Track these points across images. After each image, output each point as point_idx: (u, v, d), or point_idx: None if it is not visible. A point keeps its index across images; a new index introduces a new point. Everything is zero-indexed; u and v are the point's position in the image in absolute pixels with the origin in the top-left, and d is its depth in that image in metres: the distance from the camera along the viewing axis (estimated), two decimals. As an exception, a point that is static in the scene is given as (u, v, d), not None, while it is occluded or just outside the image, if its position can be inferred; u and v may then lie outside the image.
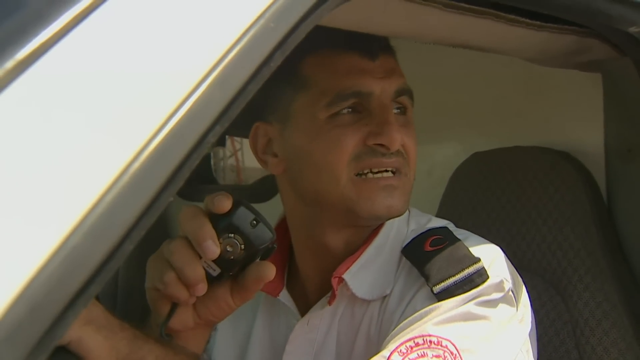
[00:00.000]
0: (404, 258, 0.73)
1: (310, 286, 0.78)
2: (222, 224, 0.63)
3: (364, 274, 0.74)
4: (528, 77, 1.00)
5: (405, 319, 0.69)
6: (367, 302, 0.74)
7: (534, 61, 0.83)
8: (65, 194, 0.36)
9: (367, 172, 0.71)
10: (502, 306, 0.69)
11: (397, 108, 0.73)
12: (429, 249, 0.73)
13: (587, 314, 0.88)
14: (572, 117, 1.00)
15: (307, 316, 0.76)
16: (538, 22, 0.65)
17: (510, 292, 0.70)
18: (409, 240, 0.74)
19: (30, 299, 0.34)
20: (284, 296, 0.78)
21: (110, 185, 0.37)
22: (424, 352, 0.64)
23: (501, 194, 1.00)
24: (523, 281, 0.75)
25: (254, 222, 0.64)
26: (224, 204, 0.62)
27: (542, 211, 0.95)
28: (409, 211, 0.79)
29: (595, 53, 0.74)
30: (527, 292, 0.74)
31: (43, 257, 0.35)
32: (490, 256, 0.72)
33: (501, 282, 0.69)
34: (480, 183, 1.03)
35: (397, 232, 0.76)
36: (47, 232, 0.36)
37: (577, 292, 0.89)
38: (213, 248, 0.62)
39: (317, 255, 0.77)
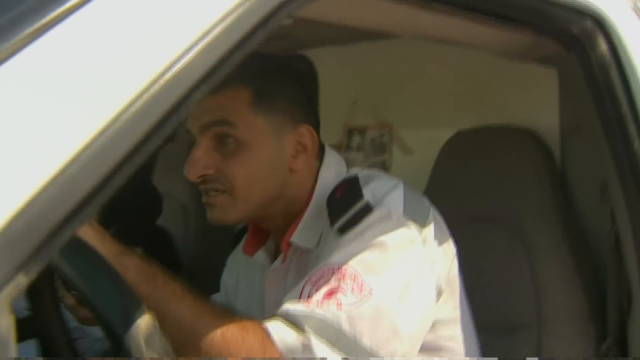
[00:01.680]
0: (328, 214, 0.88)
1: (274, 246, 1.00)
2: None
3: (305, 232, 0.91)
4: (501, 68, 1.24)
5: (320, 254, 0.86)
6: (308, 252, 0.92)
7: (500, 55, 1.06)
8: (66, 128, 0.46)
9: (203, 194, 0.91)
10: (395, 232, 0.82)
11: (217, 137, 0.88)
12: (338, 196, 0.89)
13: (540, 253, 1.11)
14: (535, 101, 1.24)
15: (272, 266, 0.97)
16: (500, 20, 0.88)
17: (404, 219, 0.84)
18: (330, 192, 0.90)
19: (29, 215, 0.42)
20: (259, 255, 1.00)
21: (104, 128, 0.47)
22: (328, 278, 0.79)
23: (478, 164, 1.24)
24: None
25: None
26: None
27: (510, 176, 1.18)
28: (348, 170, 0.95)
29: (549, 49, 0.97)
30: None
31: (43, 180, 0.44)
32: (382, 193, 0.86)
33: (388, 211, 0.84)
34: (462, 156, 1.27)
35: (325, 193, 0.91)
36: (49, 161, 0.45)
37: (534, 238, 1.12)
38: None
39: (274, 231, 0.97)
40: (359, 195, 0.86)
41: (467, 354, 0.91)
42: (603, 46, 0.88)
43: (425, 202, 0.91)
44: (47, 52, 0.48)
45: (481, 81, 1.31)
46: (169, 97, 0.51)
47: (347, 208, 0.86)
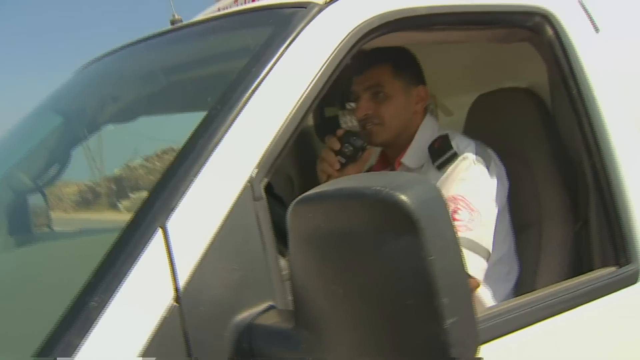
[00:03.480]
0: (428, 151, 1.57)
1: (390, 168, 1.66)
2: (341, 140, 1.50)
3: (411, 157, 1.59)
4: (505, 49, 1.74)
5: None
6: (412, 170, 1.57)
7: (493, 42, 1.57)
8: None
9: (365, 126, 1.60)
10: (473, 168, 1.47)
11: (372, 94, 1.58)
12: (436, 146, 1.55)
13: (540, 176, 1.62)
14: (531, 69, 1.72)
15: None
16: (483, 26, 1.40)
17: (477, 161, 1.48)
18: (431, 141, 1.58)
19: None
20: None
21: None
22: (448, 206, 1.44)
23: (495, 117, 1.75)
24: (502, 163, 1.54)
25: (354, 137, 1.48)
26: (339, 132, 1.53)
27: (517, 123, 1.69)
28: (440, 127, 1.64)
29: (521, 35, 1.47)
30: (505, 167, 1.53)
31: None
32: (463, 146, 1.52)
33: (465, 157, 1.48)
34: (483, 112, 1.78)
35: (426, 138, 1.60)
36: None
37: (535, 163, 1.63)
38: (336, 144, 1.47)
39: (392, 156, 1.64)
40: (449, 146, 1.51)
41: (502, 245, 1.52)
42: (549, 32, 1.38)
43: (490, 152, 1.55)
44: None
45: (492, 57, 1.81)
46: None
47: (442, 154, 1.51)
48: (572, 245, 1.50)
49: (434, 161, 1.53)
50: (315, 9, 1.05)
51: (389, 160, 1.69)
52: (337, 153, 1.53)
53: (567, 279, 1.39)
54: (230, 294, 0.80)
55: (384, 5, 1.11)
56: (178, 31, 1.35)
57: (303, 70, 0.98)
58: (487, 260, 1.41)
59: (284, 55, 0.98)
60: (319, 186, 0.74)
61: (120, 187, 1.60)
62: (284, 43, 0.99)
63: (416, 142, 1.60)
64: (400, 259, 0.62)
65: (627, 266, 1.29)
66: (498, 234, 1.49)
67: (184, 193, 0.82)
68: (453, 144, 1.53)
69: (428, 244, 0.61)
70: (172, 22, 1.69)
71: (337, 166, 1.52)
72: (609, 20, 1.46)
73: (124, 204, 1.47)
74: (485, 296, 1.47)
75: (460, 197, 1.43)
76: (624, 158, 1.33)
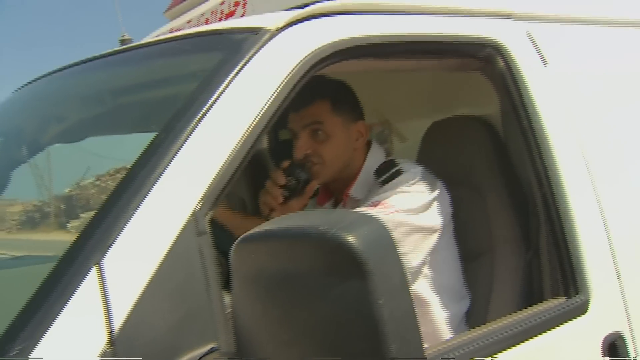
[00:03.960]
0: (374, 176, 1.54)
1: (334, 200, 1.63)
2: (286, 172, 1.48)
3: (358, 189, 1.58)
4: (459, 78, 1.75)
5: (368, 199, 1.50)
6: (358, 200, 1.55)
7: (446, 71, 1.58)
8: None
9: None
10: (415, 186, 1.47)
11: (310, 131, 1.55)
12: (382, 167, 1.54)
13: (492, 205, 1.63)
14: (486, 98, 1.75)
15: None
16: (436, 56, 1.41)
17: (421, 180, 1.49)
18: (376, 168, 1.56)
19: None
20: (327, 205, 1.62)
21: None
22: (374, 205, 1.42)
23: (448, 144, 1.75)
24: (451, 191, 1.54)
25: (299, 171, 1.47)
26: (285, 164, 1.50)
27: (469, 152, 1.70)
28: (387, 156, 1.63)
29: (474, 65, 1.49)
30: (456, 195, 1.53)
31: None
32: (409, 167, 1.52)
33: (410, 176, 1.48)
34: (437, 139, 1.79)
35: (373, 167, 1.56)
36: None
37: (488, 194, 1.64)
38: (281, 179, 1.46)
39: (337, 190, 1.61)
40: (394, 165, 1.50)
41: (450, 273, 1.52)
42: (500, 63, 1.39)
43: (436, 179, 1.54)
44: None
45: (447, 84, 1.83)
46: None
47: (387, 171, 1.49)
48: (524, 275, 1.50)
49: (377, 178, 1.51)
50: (267, 35, 1.03)
51: (331, 193, 1.67)
52: (281, 186, 1.50)
53: (519, 310, 1.39)
54: (170, 336, 0.75)
55: (337, 33, 1.10)
56: (127, 52, 1.30)
57: (253, 98, 0.95)
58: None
59: (233, 81, 0.95)
60: (263, 224, 0.71)
61: (69, 207, 1.53)
62: (233, 69, 0.96)
63: (364, 174, 1.59)
64: (348, 304, 0.59)
65: (576, 297, 1.30)
66: (444, 261, 1.49)
67: (122, 228, 0.77)
68: (399, 165, 1.53)
69: (376, 288, 0.59)
70: (122, 42, 1.65)
71: (281, 200, 1.50)
72: (556, 52, 1.49)
73: (73, 224, 1.41)
74: (437, 316, 1.46)
75: (388, 202, 1.42)
76: (572, 189, 1.35)
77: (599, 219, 1.36)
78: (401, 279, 0.62)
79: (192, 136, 0.87)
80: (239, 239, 0.70)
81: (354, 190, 1.58)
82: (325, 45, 1.07)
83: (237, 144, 0.89)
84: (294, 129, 1.57)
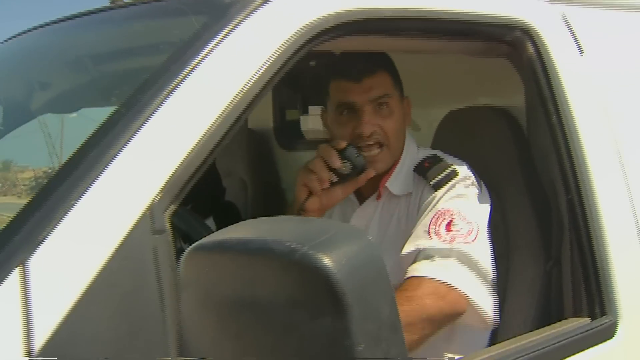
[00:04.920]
0: (415, 173, 1.38)
1: (366, 192, 1.43)
2: (340, 153, 1.27)
3: (395, 182, 1.38)
4: (482, 63, 1.58)
5: (420, 203, 1.33)
6: (397, 197, 1.39)
7: (470, 56, 1.41)
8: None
9: (361, 147, 1.34)
10: (471, 188, 1.32)
11: (377, 106, 1.34)
12: (427, 165, 1.36)
13: (510, 205, 1.47)
14: (509, 87, 1.58)
15: (362, 206, 1.43)
16: (461, 37, 1.24)
17: (475, 181, 1.33)
18: (416, 163, 1.39)
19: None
20: (352, 195, 1.43)
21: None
22: (443, 217, 1.26)
23: (465, 136, 1.59)
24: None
25: (357, 154, 1.28)
26: (342, 144, 1.29)
27: (488, 146, 1.54)
28: (418, 146, 1.44)
29: (500, 50, 1.32)
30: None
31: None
32: (458, 164, 1.35)
33: (465, 176, 1.32)
34: (453, 130, 1.63)
35: (410, 159, 1.41)
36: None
37: (506, 193, 1.48)
38: (337, 161, 1.27)
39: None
40: (446, 164, 1.33)
41: None
42: (530, 49, 1.22)
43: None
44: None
45: (468, 70, 1.66)
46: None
47: (440, 171, 1.32)
48: (542, 287, 1.35)
49: (429, 180, 1.33)
50: (258, 1, 0.87)
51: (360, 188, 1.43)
52: (331, 168, 1.28)
53: (534, 327, 1.24)
54: (110, 354, 0.61)
55: (342, 2, 0.94)
56: (102, 13, 1.15)
57: (234, 74, 0.80)
58: (490, 285, 1.24)
59: (212, 53, 0.80)
60: (220, 231, 0.56)
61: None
62: (214, 38, 0.81)
63: (402, 164, 1.40)
64: (318, 346, 0.45)
65: (602, 318, 1.14)
66: None
67: (58, 221, 0.63)
68: (449, 162, 1.36)
69: (356, 329, 0.44)
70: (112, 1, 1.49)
71: (327, 185, 1.28)
72: (595, 40, 1.32)
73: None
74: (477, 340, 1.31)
75: (456, 211, 1.27)
76: (604, 195, 1.18)
77: (634, 230, 1.20)
78: (391, 318, 0.47)
79: (155, 114, 0.72)
80: (190, 247, 0.56)
81: (391, 184, 1.39)
82: (328, 15, 0.91)
83: (211, 127, 0.74)
84: (356, 101, 1.33)
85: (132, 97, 0.74)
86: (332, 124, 1.39)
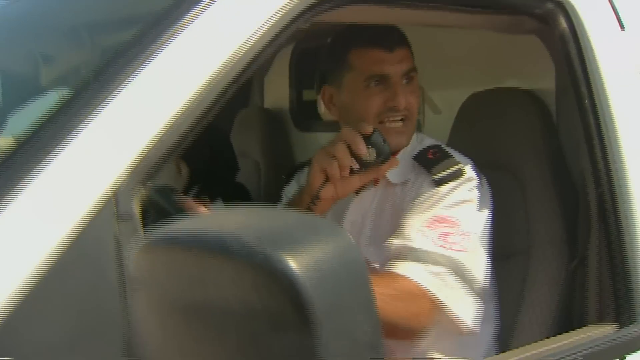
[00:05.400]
0: (415, 162, 1.26)
1: None
2: (365, 139, 1.15)
3: (395, 170, 1.25)
4: (508, 40, 1.46)
5: (418, 195, 1.21)
6: (392, 186, 1.27)
7: (495, 31, 1.29)
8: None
9: (385, 121, 1.23)
10: (474, 191, 1.20)
11: (406, 80, 1.23)
12: (431, 156, 1.25)
13: (533, 197, 1.35)
14: (536, 67, 1.45)
15: (359, 195, 1.31)
16: (485, 8, 1.12)
17: (478, 184, 1.21)
18: (417, 151, 1.27)
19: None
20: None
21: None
22: (442, 224, 1.14)
23: (489, 120, 1.47)
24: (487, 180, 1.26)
25: (383, 141, 1.17)
26: (369, 129, 1.16)
27: (513, 131, 1.42)
28: (417, 134, 1.32)
29: (529, 25, 1.20)
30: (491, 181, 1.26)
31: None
32: (464, 163, 1.23)
33: (470, 177, 1.20)
34: (475, 114, 1.51)
35: (411, 147, 1.29)
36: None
37: (530, 184, 1.36)
38: (363, 147, 1.15)
39: None
40: (454, 161, 1.22)
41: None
42: (563, 24, 1.10)
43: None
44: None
45: (493, 51, 1.54)
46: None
47: (446, 167, 1.20)
48: (565, 287, 1.24)
49: (433, 173, 1.21)
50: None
51: None
52: (353, 154, 1.16)
53: (554, 331, 1.13)
54: (60, 357, 0.53)
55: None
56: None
57: (217, 46, 0.70)
58: (481, 300, 1.15)
59: (194, 22, 0.70)
60: (180, 221, 0.47)
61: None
62: (195, 6, 0.71)
63: (404, 151, 1.28)
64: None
65: (630, 325, 1.03)
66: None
67: (6, 203, 0.55)
68: (457, 159, 1.24)
69: (324, 348, 0.35)
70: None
71: (347, 172, 1.16)
72: (636, 17, 1.19)
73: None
74: (469, 343, 1.20)
75: (456, 220, 1.15)
76: None
77: (669, 230, 1.08)
78: (370, 337, 0.38)
79: (125, 87, 0.63)
80: (141, 239, 0.47)
81: (392, 171, 1.25)
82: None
83: (189, 102, 0.65)
84: (390, 72, 1.22)
85: (101, 68, 0.65)
86: (356, 97, 1.25)
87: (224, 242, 0.39)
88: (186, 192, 1.85)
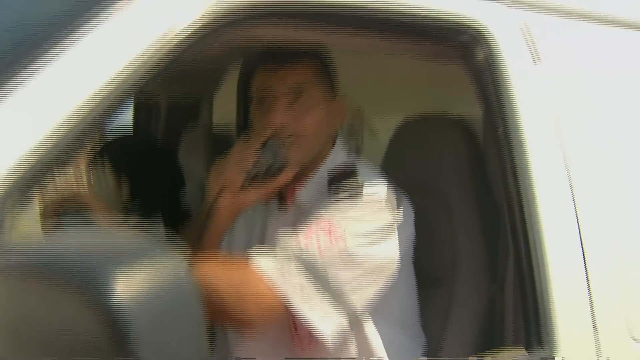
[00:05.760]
0: (328, 182, 1.21)
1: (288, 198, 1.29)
2: (261, 148, 1.16)
3: (307, 192, 1.24)
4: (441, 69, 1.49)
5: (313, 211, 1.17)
6: (307, 206, 1.23)
7: (418, 59, 1.32)
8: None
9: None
10: (369, 206, 1.15)
11: (294, 97, 1.21)
12: (337, 176, 1.20)
13: (456, 220, 1.37)
14: (466, 94, 1.48)
15: (274, 217, 1.29)
16: (406, 36, 1.14)
17: (384, 205, 1.16)
18: (333, 171, 1.22)
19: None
20: (272, 203, 1.31)
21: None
22: (314, 224, 1.11)
23: (419, 146, 1.50)
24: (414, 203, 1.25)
25: (276, 150, 1.16)
26: (259, 138, 1.17)
27: (441, 157, 1.44)
28: (349, 155, 1.30)
29: (451, 53, 1.22)
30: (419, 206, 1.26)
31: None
32: (372, 184, 1.18)
33: (372, 199, 1.15)
34: (407, 139, 1.53)
35: (327, 167, 1.24)
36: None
37: (455, 210, 1.38)
38: (252, 154, 1.15)
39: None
40: (354, 174, 1.18)
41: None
42: (481, 55, 1.13)
43: (401, 195, 1.22)
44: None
45: (431, 74, 1.57)
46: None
47: (344, 181, 1.17)
48: (485, 310, 1.26)
49: (333, 193, 1.18)
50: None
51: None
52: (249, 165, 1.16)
53: (475, 354, 1.15)
54: None
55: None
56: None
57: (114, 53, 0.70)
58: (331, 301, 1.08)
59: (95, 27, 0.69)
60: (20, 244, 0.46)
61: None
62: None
63: (322, 173, 1.24)
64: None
65: (538, 350, 1.05)
66: (399, 294, 1.23)
67: None
68: (359, 174, 1.19)
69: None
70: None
71: (239, 183, 1.15)
72: (552, 50, 1.23)
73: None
74: None
75: (342, 228, 1.10)
76: (548, 216, 1.10)
77: (578, 256, 1.12)
78: (197, 354, 0.38)
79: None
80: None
81: (305, 192, 1.24)
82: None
83: (80, 109, 0.64)
84: (267, 92, 1.22)
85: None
86: (253, 117, 1.26)
87: (46, 265, 0.39)
88: (125, 205, 1.83)
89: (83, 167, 1.96)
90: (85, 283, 0.36)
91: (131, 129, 2.55)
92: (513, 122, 1.11)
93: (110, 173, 1.87)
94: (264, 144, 1.17)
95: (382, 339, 1.20)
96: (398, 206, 1.20)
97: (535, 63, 1.17)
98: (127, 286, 0.37)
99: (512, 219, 1.10)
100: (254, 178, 1.18)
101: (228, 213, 1.18)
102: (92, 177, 1.87)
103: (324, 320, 1.06)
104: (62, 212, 1.12)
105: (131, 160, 1.95)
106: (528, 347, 1.07)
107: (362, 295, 1.11)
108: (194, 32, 0.75)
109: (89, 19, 0.69)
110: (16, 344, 0.40)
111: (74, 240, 0.43)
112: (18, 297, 0.39)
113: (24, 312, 0.39)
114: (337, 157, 1.27)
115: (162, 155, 2.15)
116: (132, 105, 2.52)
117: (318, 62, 1.25)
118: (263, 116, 1.21)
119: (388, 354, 1.19)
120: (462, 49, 1.15)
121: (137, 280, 0.37)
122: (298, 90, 1.20)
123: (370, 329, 1.19)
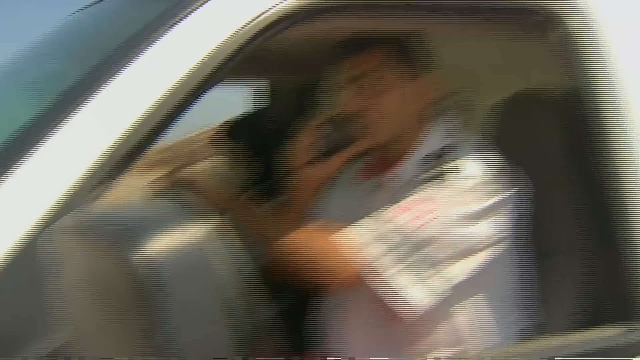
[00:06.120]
0: (423, 162, 1.23)
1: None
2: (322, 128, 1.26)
3: (407, 169, 1.25)
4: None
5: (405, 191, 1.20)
6: (391, 182, 1.27)
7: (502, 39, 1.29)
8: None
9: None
10: (464, 182, 1.15)
11: (366, 83, 1.25)
12: (437, 156, 1.22)
13: (557, 200, 1.31)
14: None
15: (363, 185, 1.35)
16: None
17: (485, 183, 1.16)
18: (431, 151, 1.25)
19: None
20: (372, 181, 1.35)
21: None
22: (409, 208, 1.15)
23: (512, 127, 1.46)
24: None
25: (344, 124, 1.24)
26: (319, 121, 1.25)
27: (536, 138, 1.39)
28: (450, 132, 1.29)
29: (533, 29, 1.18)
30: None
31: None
32: (470, 161, 1.19)
33: (469, 175, 1.16)
34: (501, 122, 1.50)
35: (432, 147, 1.26)
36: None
37: (553, 188, 1.33)
38: (320, 128, 1.24)
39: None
40: (449, 159, 1.19)
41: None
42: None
43: (513, 173, 1.21)
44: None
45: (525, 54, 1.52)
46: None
47: (440, 168, 1.18)
48: (584, 287, 1.21)
49: (428, 173, 1.19)
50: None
51: (378, 168, 1.33)
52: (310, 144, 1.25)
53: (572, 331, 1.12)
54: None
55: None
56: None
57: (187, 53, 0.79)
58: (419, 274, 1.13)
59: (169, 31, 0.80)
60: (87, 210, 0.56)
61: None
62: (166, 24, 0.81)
63: (419, 152, 1.25)
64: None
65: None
66: (502, 271, 1.24)
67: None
68: (457, 157, 1.20)
69: (169, 319, 0.42)
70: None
71: (301, 161, 1.25)
72: None
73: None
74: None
75: (434, 209, 1.14)
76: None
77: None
78: (213, 310, 0.45)
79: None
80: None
81: (400, 172, 1.25)
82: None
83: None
84: (342, 78, 1.27)
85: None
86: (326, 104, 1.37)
87: (101, 226, 0.49)
88: (253, 186, 1.92)
89: (210, 148, 2.08)
90: (126, 245, 0.45)
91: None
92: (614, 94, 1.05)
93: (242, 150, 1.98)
94: (335, 123, 1.26)
95: (481, 311, 1.22)
96: (508, 184, 1.19)
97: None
98: (158, 248, 0.45)
99: (618, 197, 1.05)
100: (327, 153, 1.26)
101: (314, 182, 1.27)
102: (222, 156, 2.00)
103: (411, 293, 1.11)
104: (168, 189, 1.25)
105: (263, 137, 2.01)
106: (629, 325, 1.01)
107: (451, 273, 1.14)
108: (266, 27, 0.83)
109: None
110: (85, 295, 0.49)
111: (135, 210, 0.53)
112: (85, 253, 0.49)
113: (90, 266, 0.49)
114: (436, 137, 1.27)
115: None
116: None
117: (392, 46, 1.26)
118: (337, 101, 1.29)
119: (488, 325, 1.21)
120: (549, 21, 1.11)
121: (166, 243, 0.45)
122: (370, 75, 1.24)
123: (463, 306, 1.21)
